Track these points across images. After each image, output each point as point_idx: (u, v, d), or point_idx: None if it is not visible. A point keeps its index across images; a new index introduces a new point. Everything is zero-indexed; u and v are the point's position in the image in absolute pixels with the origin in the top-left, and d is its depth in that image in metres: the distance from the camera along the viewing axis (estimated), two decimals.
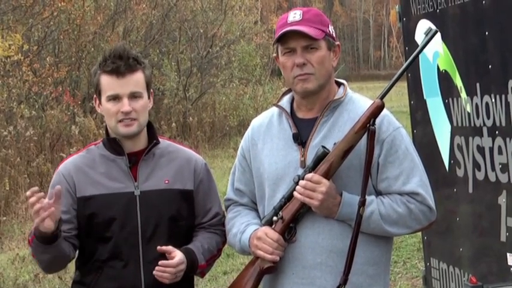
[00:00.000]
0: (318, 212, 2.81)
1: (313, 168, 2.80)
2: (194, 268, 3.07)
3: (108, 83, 3.02)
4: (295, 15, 2.87)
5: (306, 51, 2.84)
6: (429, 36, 2.84)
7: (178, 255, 2.98)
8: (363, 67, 72.74)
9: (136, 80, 3.04)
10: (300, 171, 2.84)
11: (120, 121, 3.02)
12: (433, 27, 2.90)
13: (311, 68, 2.84)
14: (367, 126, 2.77)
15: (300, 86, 2.87)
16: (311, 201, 2.77)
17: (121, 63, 3.00)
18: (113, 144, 3.09)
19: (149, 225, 3.05)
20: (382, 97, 2.80)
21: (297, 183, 2.81)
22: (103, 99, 3.05)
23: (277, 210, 2.86)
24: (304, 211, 2.84)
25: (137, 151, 3.10)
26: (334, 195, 2.78)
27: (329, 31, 2.89)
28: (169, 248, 2.98)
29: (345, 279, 2.78)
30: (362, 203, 2.76)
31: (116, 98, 3.01)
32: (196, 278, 3.23)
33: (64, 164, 3.15)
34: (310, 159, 2.83)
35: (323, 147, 2.80)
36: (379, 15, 76.71)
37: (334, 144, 2.80)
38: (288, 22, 2.85)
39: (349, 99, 2.93)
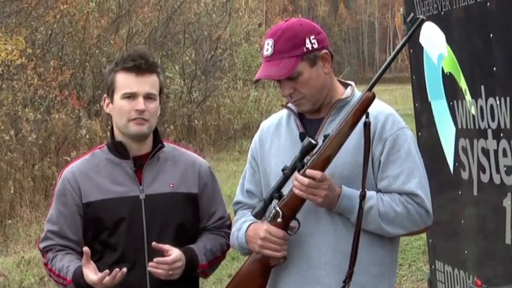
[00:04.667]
0: (319, 206, 2.81)
1: (300, 159, 2.77)
2: (194, 267, 3.05)
3: (126, 80, 3.02)
4: (267, 47, 2.83)
5: (289, 80, 2.83)
6: (415, 25, 2.77)
7: (174, 253, 2.97)
8: (368, 70, 72.69)
9: (154, 81, 3.05)
10: None
11: (132, 120, 3.01)
12: (419, 16, 2.82)
13: (299, 94, 2.85)
14: (363, 119, 2.75)
15: (297, 107, 2.92)
16: (314, 198, 2.76)
17: (142, 62, 3.01)
18: (119, 148, 3.08)
19: (154, 229, 3.04)
20: (370, 88, 2.79)
21: (287, 176, 2.78)
22: (116, 97, 3.04)
23: (267, 202, 2.83)
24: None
25: (142, 155, 3.10)
26: (334, 188, 2.78)
27: (306, 48, 2.82)
28: (165, 246, 2.97)
29: (350, 273, 2.77)
30: (363, 197, 2.75)
31: (131, 96, 3.00)
32: (201, 280, 3.23)
33: (68, 169, 3.13)
34: None
35: (310, 137, 2.79)
36: (385, 18, 76.63)
37: (324, 137, 2.79)
38: (264, 56, 2.85)
39: (356, 99, 2.92)
